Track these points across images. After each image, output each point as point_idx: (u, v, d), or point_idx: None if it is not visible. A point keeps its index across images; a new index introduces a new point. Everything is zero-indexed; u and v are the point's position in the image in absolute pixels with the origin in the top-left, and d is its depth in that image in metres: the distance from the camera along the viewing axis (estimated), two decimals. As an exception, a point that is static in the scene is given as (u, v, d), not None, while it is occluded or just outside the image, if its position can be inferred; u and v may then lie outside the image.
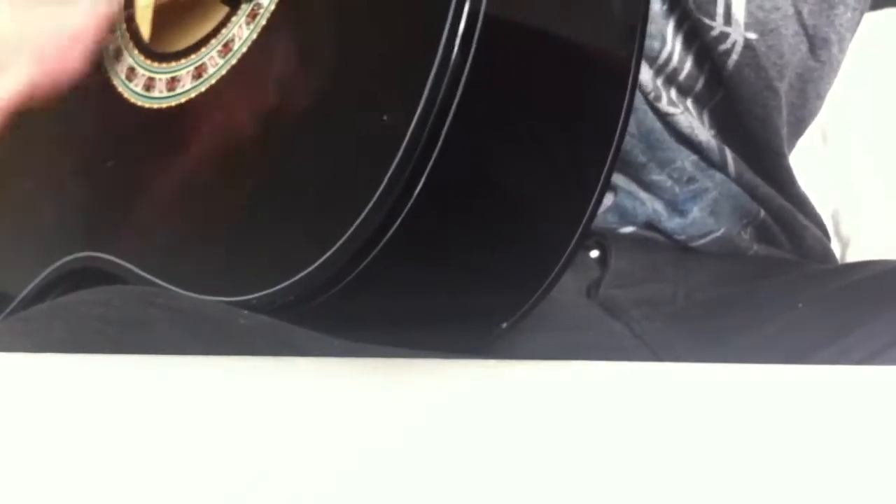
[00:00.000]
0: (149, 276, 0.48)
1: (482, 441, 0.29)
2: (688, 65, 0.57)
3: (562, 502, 0.26)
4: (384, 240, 0.41)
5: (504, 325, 0.47)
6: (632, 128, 0.57)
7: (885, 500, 0.27)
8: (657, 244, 0.59)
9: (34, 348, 0.37)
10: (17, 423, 0.30)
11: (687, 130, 0.57)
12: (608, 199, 0.59)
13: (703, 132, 0.57)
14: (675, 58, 0.57)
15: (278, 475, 0.27)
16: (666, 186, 0.58)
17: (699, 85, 0.58)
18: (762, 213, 0.60)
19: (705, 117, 0.59)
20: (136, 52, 0.55)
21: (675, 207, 0.59)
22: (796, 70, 0.57)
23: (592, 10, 0.45)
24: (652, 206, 0.59)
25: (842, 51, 0.59)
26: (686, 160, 0.58)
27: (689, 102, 0.58)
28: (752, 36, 0.55)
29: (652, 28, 0.56)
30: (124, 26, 0.57)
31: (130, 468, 0.27)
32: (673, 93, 0.57)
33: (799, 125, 0.61)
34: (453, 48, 0.39)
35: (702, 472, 0.28)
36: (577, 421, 0.31)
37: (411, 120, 0.39)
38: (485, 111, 0.41)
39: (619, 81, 0.44)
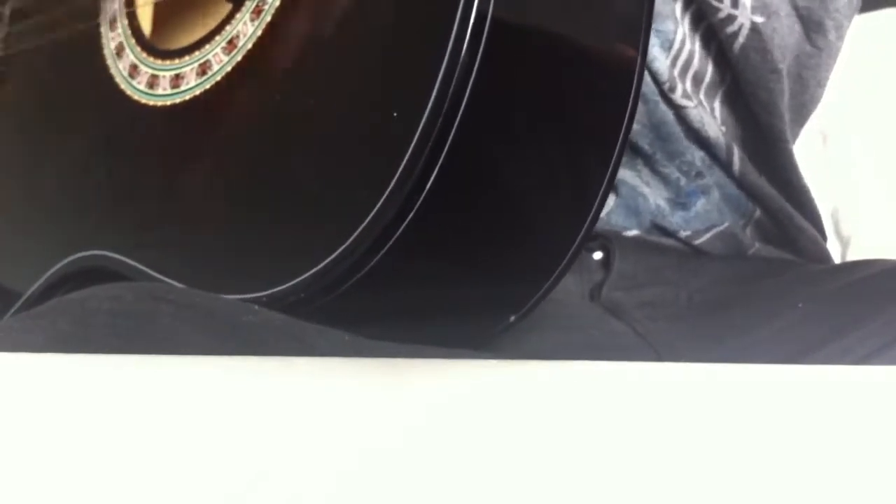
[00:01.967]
0: (156, 274, 0.48)
1: (483, 441, 0.30)
2: (698, 48, 0.57)
3: (564, 502, 0.26)
4: (395, 237, 0.41)
5: (512, 318, 0.47)
6: (642, 118, 0.57)
7: (885, 499, 0.27)
8: (661, 247, 0.59)
9: (45, 343, 0.37)
10: (23, 422, 0.30)
11: (697, 125, 0.57)
12: (611, 199, 0.59)
13: (713, 128, 0.57)
14: (688, 40, 0.57)
15: (279, 475, 0.27)
16: (671, 179, 0.58)
17: (710, 72, 0.58)
18: (758, 212, 0.60)
19: (716, 110, 0.59)
20: (138, 49, 0.54)
21: (678, 201, 0.59)
22: (793, 53, 0.57)
23: (599, 11, 0.45)
24: (655, 201, 0.59)
25: (840, 38, 0.59)
26: (695, 154, 0.58)
27: (702, 94, 0.58)
28: (759, 19, 0.55)
29: (663, 9, 0.56)
30: (126, 23, 0.56)
31: (133, 467, 0.27)
32: (688, 84, 0.57)
33: (801, 111, 0.61)
34: (462, 47, 0.40)
35: (703, 472, 0.28)
36: (579, 421, 0.31)
37: (422, 116, 0.40)
38: (494, 108, 0.42)
39: (625, 81, 0.45)
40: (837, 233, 0.91)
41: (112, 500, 0.26)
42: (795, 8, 0.56)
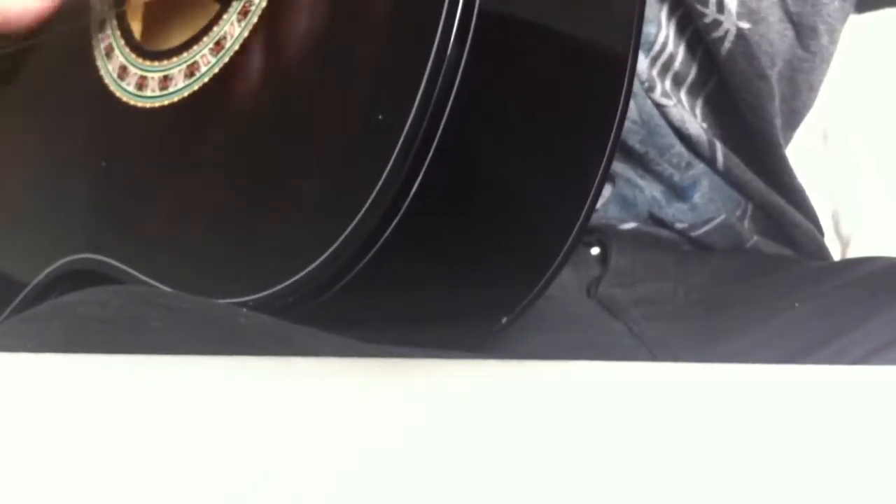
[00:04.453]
0: (144, 278, 0.48)
1: (482, 441, 0.30)
2: (681, 50, 0.57)
3: (561, 502, 0.26)
4: (381, 240, 0.40)
5: (504, 320, 0.47)
6: (633, 114, 0.57)
7: (884, 499, 0.27)
8: (659, 241, 0.59)
9: (34, 349, 0.37)
10: (17, 423, 0.30)
11: (678, 123, 0.57)
12: (607, 190, 0.59)
13: (694, 125, 0.58)
14: (671, 43, 0.57)
15: (278, 476, 0.27)
16: (665, 176, 0.58)
17: (693, 73, 0.58)
18: (751, 207, 0.60)
19: (698, 109, 0.59)
20: (127, 50, 0.54)
21: (674, 192, 0.59)
22: (784, 58, 0.57)
23: (589, 2, 0.45)
24: (651, 193, 0.59)
25: (833, 42, 0.59)
26: (681, 146, 0.58)
27: (682, 94, 0.58)
28: (745, 25, 0.55)
29: (647, 12, 0.56)
30: (115, 23, 0.56)
31: (130, 469, 0.27)
32: (668, 83, 0.58)
33: (793, 116, 0.61)
34: (448, 44, 0.39)
35: (700, 473, 0.28)
36: (576, 421, 0.31)
37: (406, 119, 0.39)
38: (482, 106, 0.41)
39: (617, 73, 0.44)
40: (837, 233, 0.91)
41: (110, 501, 0.26)
42: (787, 13, 0.56)
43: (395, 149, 0.40)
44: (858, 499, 0.27)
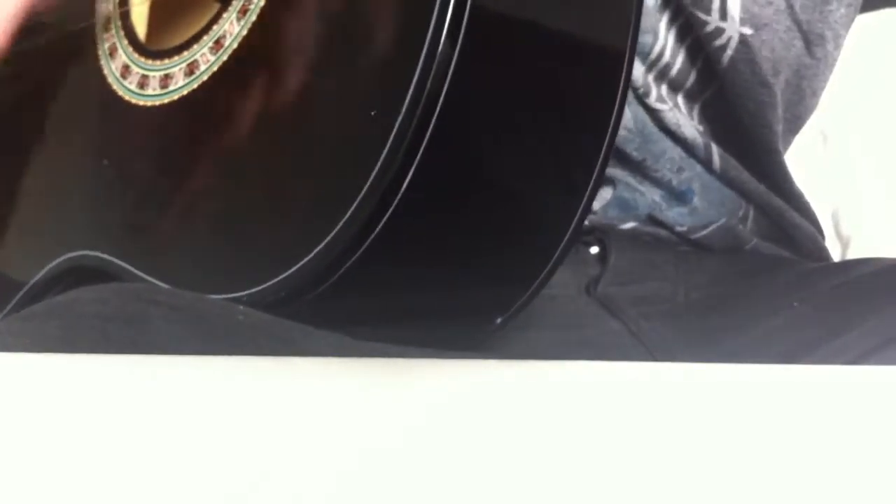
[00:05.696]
0: (141, 274, 0.48)
1: (481, 441, 0.30)
2: (680, 59, 0.57)
3: (559, 501, 0.26)
4: (373, 235, 0.41)
5: (499, 320, 0.47)
6: (628, 122, 0.57)
7: (883, 499, 0.27)
8: (658, 241, 0.59)
9: (33, 347, 0.37)
10: (15, 422, 0.30)
11: (673, 127, 0.57)
12: (608, 193, 0.59)
13: (690, 129, 0.58)
14: (668, 53, 0.57)
15: (278, 475, 0.27)
16: (664, 181, 0.59)
17: (691, 80, 0.58)
18: (751, 210, 0.60)
19: (696, 113, 0.59)
20: (130, 49, 0.55)
21: (674, 196, 0.59)
22: (792, 66, 0.57)
23: (585, 1, 0.45)
24: (651, 196, 0.59)
25: (837, 47, 0.59)
26: (675, 150, 0.58)
27: (679, 98, 0.58)
28: (748, 31, 0.55)
29: (644, 23, 0.56)
30: (119, 23, 0.57)
31: (129, 469, 0.27)
32: (664, 89, 0.58)
33: (795, 122, 0.62)
34: (440, 40, 0.39)
35: (699, 472, 0.28)
36: (574, 420, 0.32)
37: (398, 115, 0.40)
38: (474, 104, 0.41)
39: (613, 70, 0.44)
40: (837, 233, 0.90)
41: (109, 501, 0.26)
42: (796, 22, 0.56)
43: (386, 144, 0.40)
44: (857, 498, 0.27)
